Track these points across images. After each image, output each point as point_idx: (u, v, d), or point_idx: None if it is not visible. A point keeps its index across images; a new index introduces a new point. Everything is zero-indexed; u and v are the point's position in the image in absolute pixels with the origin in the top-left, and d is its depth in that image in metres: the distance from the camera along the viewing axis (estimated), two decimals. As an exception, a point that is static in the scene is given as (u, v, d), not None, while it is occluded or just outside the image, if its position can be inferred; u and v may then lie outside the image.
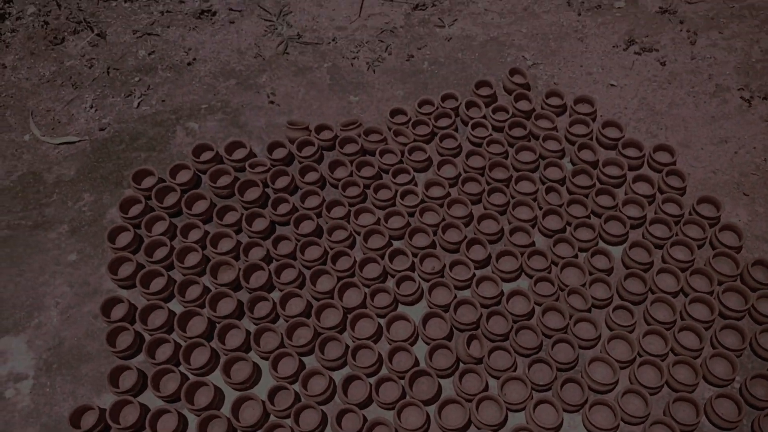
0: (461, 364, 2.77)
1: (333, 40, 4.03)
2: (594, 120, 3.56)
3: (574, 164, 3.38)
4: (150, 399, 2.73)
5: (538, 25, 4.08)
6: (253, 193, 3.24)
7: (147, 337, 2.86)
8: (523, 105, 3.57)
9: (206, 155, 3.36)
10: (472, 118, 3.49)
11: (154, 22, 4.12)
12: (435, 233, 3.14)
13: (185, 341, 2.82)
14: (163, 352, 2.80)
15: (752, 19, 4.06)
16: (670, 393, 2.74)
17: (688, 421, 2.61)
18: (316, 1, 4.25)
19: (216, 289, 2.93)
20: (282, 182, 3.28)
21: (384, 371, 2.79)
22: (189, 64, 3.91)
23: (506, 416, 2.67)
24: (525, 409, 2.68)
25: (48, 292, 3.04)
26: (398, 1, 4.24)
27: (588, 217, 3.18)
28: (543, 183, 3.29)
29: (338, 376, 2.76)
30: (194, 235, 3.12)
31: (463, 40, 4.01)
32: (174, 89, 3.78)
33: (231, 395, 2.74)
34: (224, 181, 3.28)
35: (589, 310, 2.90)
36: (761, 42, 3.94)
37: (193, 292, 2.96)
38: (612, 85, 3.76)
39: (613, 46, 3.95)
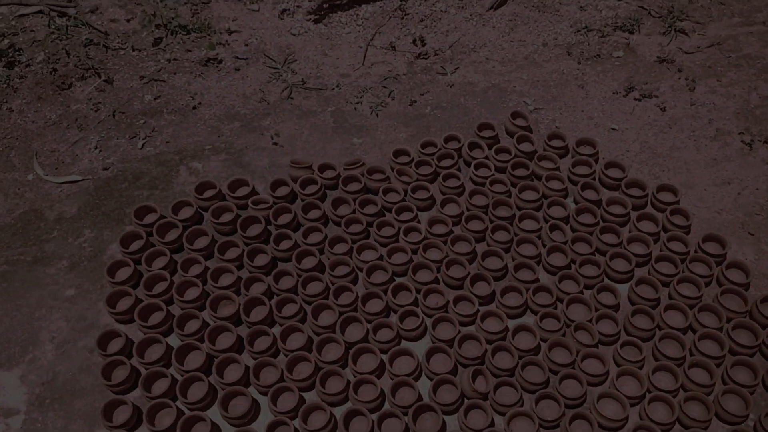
0: (466, 400, 2.69)
1: (337, 86, 4.09)
2: (596, 161, 3.56)
3: (577, 203, 3.37)
4: (144, 434, 2.64)
5: (538, 73, 4.15)
6: (255, 230, 3.21)
7: (143, 371, 2.78)
8: (526, 147, 3.58)
9: (209, 193, 3.36)
10: (474, 159, 3.50)
11: (161, 69, 4.19)
12: (438, 269, 3.10)
13: (182, 375, 2.74)
14: (159, 386, 2.72)
15: (749, 68, 4.13)
16: (681, 430, 2.64)
17: (703, 459, 2.52)
18: (321, 51, 4.34)
19: (215, 323, 2.87)
20: (284, 219, 3.26)
21: (386, 406, 2.70)
22: (194, 108, 3.95)
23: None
24: (533, 446, 2.59)
25: (44, 326, 2.98)
26: (401, 51, 4.33)
27: (593, 254, 3.15)
28: (546, 221, 3.28)
29: (339, 411, 2.67)
30: (195, 270, 3.09)
31: (465, 86, 4.07)
32: (179, 131, 3.81)
33: (228, 431, 2.65)
34: (226, 217, 3.26)
35: (596, 346, 2.84)
36: (759, 89, 3.99)
37: (192, 326, 2.89)
38: (613, 129, 3.78)
39: (613, 93, 4.00)
